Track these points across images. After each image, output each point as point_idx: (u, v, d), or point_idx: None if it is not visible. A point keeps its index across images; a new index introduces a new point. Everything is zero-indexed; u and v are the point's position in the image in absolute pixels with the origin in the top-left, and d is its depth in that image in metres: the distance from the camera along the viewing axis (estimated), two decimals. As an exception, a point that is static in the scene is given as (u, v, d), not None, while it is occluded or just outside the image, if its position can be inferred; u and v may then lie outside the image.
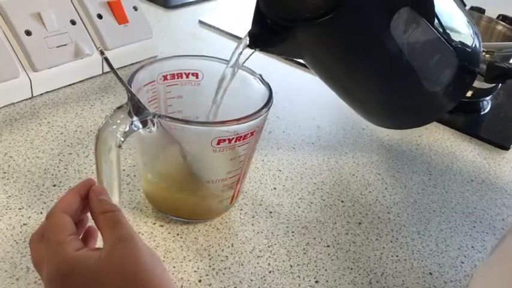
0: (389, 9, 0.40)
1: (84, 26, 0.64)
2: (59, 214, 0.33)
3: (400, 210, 0.52)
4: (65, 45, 0.61)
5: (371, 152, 0.61)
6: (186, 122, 0.38)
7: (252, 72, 0.45)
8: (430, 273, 0.46)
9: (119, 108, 0.37)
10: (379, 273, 0.45)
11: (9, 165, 0.49)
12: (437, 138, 0.66)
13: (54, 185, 0.48)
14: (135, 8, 0.70)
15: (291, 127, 0.63)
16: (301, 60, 0.79)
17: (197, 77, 0.47)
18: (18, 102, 0.59)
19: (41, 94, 0.61)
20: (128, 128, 0.36)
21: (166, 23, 0.87)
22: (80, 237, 0.36)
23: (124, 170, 0.51)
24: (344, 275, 0.44)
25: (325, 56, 0.45)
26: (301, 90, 0.73)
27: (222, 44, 0.83)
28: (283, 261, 0.44)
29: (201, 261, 0.43)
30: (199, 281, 0.41)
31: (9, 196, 0.46)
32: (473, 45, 0.48)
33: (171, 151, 0.42)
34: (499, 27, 0.78)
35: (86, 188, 0.36)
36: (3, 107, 0.57)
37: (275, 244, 0.46)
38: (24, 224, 0.43)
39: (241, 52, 0.43)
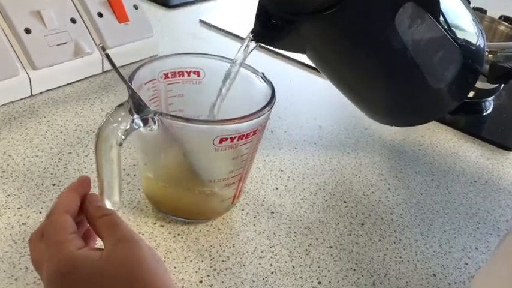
0: (394, 4, 0.39)
1: (84, 24, 0.63)
2: (60, 213, 0.33)
3: (403, 211, 0.52)
4: (65, 43, 0.60)
5: (373, 152, 0.61)
6: (188, 120, 0.37)
7: (255, 71, 0.45)
8: (434, 275, 0.45)
9: (119, 106, 0.36)
10: (382, 275, 0.44)
11: (8, 164, 0.48)
12: (440, 139, 0.66)
13: (54, 184, 0.47)
14: (136, 7, 0.69)
15: (292, 127, 0.63)
16: (302, 60, 0.78)
17: (198, 75, 0.46)
18: (18, 100, 0.58)
19: (40, 93, 0.60)
20: (128, 126, 0.36)
21: (166, 22, 0.87)
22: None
23: (124, 169, 0.50)
24: (347, 276, 0.43)
25: (328, 50, 0.45)
26: (302, 90, 0.73)
27: (222, 44, 0.83)
28: (285, 262, 0.43)
29: (202, 261, 0.42)
30: (201, 281, 0.40)
31: (8, 195, 0.45)
32: (478, 43, 0.48)
33: (172, 150, 0.41)
34: (502, 28, 0.78)
35: (83, 186, 0.36)
36: (2, 105, 0.57)
37: (277, 245, 0.45)
38: (23, 224, 0.42)
39: (248, 46, 0.42)
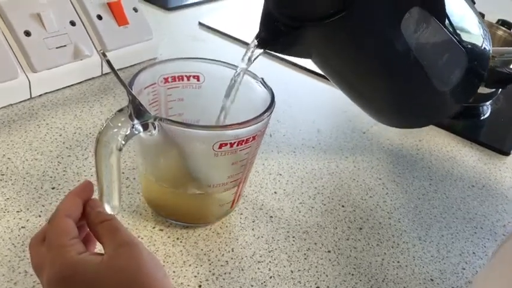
0: (400, 9, 0.39)
1: (84, 27, 0.63)
2: (62, 218, 0.33)
3: (401, 216, 0.52)
4: (65, 46, 0.60)
5: (372, 156, 0.61)
6: (188, 125, 0.38)
7: (254, 76, 0.45)
8: (432, 280, 0.45)
9: (119, 111, 0.36)
10: (380, 279, 0.44)
11: (7, 168, 0.48)
12: (437, 143, 0.66)
13: (53, 188, 0.47)
14: (135, 10, 0.69)
15: (291, 131, 0.63)
16: (300, 63, 0.79)
17: (198, 80, 0.46)
18: (17, 103, 0.58)
19: (39, 95, 0.60)
20: (128, 131, 0.36)
21: (166, 25, 0.87)
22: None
23: (123, 172, 0.50)
24: (345, 281, 0.43)
25: (334, 55, 0.45)
26: (301, 94, 0.73)
27: (222, 46, 0.83)
28: (284, 266, 0.44)
29: (201, 266, 0.42)
30: (199, 286, 0.40)
31: (7, 199, 0.45)
32: (483, 46, 0.48)
33: (172, 154, 0.41)
34: (500, 32, 0.78)
35: (86, 191, 0.36)
36: (2, 108, 0.57)
37: (276, 249, 0.45)
38: (22, 227, 0.43)
39: (253, 52, 0.42)
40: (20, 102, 0.58)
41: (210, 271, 0.42)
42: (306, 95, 0.73)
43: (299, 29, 0.40)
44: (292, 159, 0.58)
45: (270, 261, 0.44)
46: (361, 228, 0.50)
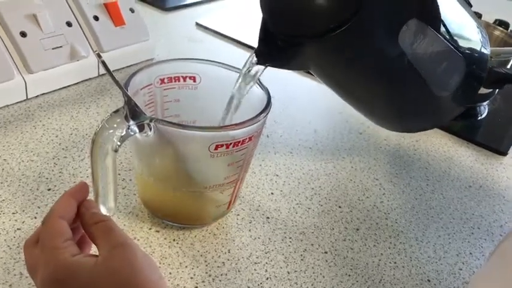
0: (397, 22, 0.39)
1: (80, 27, 0.63)
2: (56, 219, 0.33)
3: (398, 216, 0.52)
4: (61, 47, 0.60)
5: (368, 156, 0.61)
6: (184, 126, 0.38)
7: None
8: (429, 280, 0.45)
9: (115, 112, 0.36)
10: (377, 280, 0.44)
11: (3, 169, 0.48)
12: (434, 144, 0.66)
13: (49, 189, 0.47)
14: (132, 10, 0.69)
15: (288, 131, 0.63)
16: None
17: (194, 81, 0.46)
18: (13, 104, 0.58)
19: (36, 96, 0.60)
20: (124, 132, 0.36)
21: (163, 25, 0.87)
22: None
23: (119, 174, 0.50)
24: (342, 282, 0.43)
25: (332, 68, 0.45)
26: (298, 94, 0.73)
27: (218, 47, 0.83)
28: (281, 267, 0.44)
29: (198, 267, 0.42)
30: (196, 287, 0.40)
31: (3, 200, 0.45)
32: (481, 49, 0.48)
33: (168, 155, 0.41)
34: (497, 33, 0.78)
35: (81, 192, 0.36)
36: (-2, 109, 0.57)
37: (272, 250, 0.45)
38: (18, 229, 0.42)
39: (249, 70, 0.42)
40: (16, 103, 0.58)
41: (206, 272, 0.42)
42: (302, 96, 0.73)
43: (297, 45, 0.41)
44: (289, 160, 0.58)
45: (266, 263, 0.44)
46: (358, 229, 0.49)
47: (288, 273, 0.43)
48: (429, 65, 0.44)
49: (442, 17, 0.42)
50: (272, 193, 0.52)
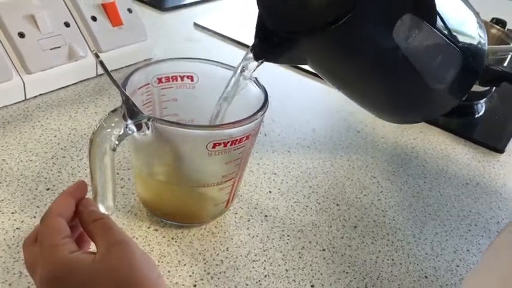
0: (393, 16, 0.40)
1: (78, 28, 0.63)
2: (54, 217, 0.33)
3: (396, 214, 0.52)
4: (59, 47, 0.61)
5: (366, 155, 0.61)
6: (181, 125, 0.38)
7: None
8: (426, 277, 0.46)
9: (113, 111, 0.36)
10: (374, 277, 0.44)
11: (1, 169, 0.49)
12: (432, 141, 0.67)
13: (48, 189, 0.47)
14: (130, 10, 0.69)
15: (286, 130, 0.63)
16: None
17: (192, 80, 0.47)
18: (12, 104, 0.58)
19: (34, 96, 0.60)
20: (122, 132, 0.36)
21: (161, 26, 0.87)
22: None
23: (118, 173, 0.50)
24: (340, 279, 0.44)
25: (329, 62, 0.45)
26: (295, 93, 0.73)
27: (217, 47, 0.83)
28: (279, 265, 0.44)
29: (196, 265, 0.42)
30: (194, 285, 0.41)
31: (2, 200, 0.45)
32: (478, 42, 0.48)
33: (166, 154, 0.42)
34: (493, 31, 0.78)
35: (79, 190, 0.36)
36: (-4, 109, 0.57)
37: (270, 248, 0.45)
38: (17, 229, 0.43)
39: (246, 65, 0.43)
40: (15, 103, 0.58)
41: (205, 270, 0.42)
42: (300, 95, 0.73)
43: (293, 40, 0.41)
44: (287, 158, 0.58)
45: (264, 260, 0.44)
46: (355, 227, 0.50)
47: (286, 270, 0.43)
48: (425, 58, 0.44)
49: (438, 11, 0.42)
50: (270, 191, 0.52)
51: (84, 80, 0.65)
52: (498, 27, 0.79)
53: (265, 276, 0.43)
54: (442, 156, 0.64)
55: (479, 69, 0.50)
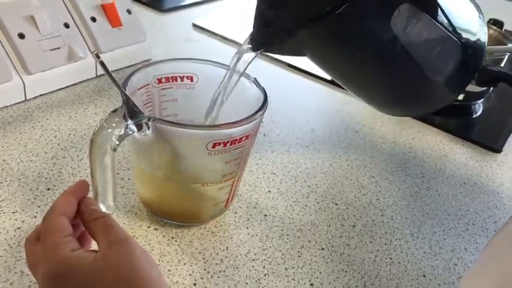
0: (389, 7, 0.40)
1: (78, 29, 0.64)
2: (56, 216, 0.33)
3: (394, 213, 0.53)
4: (59, 48, 0.61)
5: (365, 155, 0.62)
6: (181, 125, 0.38)
7: (247, 76, 0.45)
8: (424, 276, 0.46)
9: (113, 111, 0.37)
10: (373, 276, 0.45)
11: (2, 169, 0.49)
12: (430, 141, 0.67)
13: (48, 189, 0.47)
14: (129, 11, 0.70)
15: (285, 130, 0.64)
16: (295, 64, 0.79)
17: (192, 81, 0.47)
18: (12, 105, 0.58)
19: (34, 97, 0.60)
20: (122, 132, 0.36)
21: (160, 26, 0.87)
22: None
23: (118, 173, 0.51)
24: (338, 278, 0.44)
25: (327, 53, 0.45)
26: (295, 94, 0.74)
27: (215, 47, 0.84)
28: (278, 264, 0.44)
29: (196, 264, 0.43)
30: (194, 284, 0.41)
31: (3, 200, 0.45)
32: (478, 34, 0.48)
33: (166, 154, 0.42)
34: (491, 31, 0.79)
35: (81, 190, 0.36)
36: (-4, 110, 0.57)
37: (270, 247, 0.46)
38: (18, 228, 0.43)
39: (243, 55, 0.43)
40: (15, 104, 0.59)
41: (205, 269, 0.42)
42: (299, 95, 0.74)
43: (291, 30, 0.41)
44: (286, 158, 0.58)
45: (264, 259, 0.44)
46: (354, 226, 0.50)
47: (286, 269, 0.44)
48: (423, 48, 0.44)
49: (438, 2, 0.42)
50: (269, 191, 0.53)
51: (84, 81, 0.65)
52: (495, 27, 0.79)
53: (265, 275, 0.43)
54: (440, 156, 0.64)
55: (479, 61, 0.50)
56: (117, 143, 0.36)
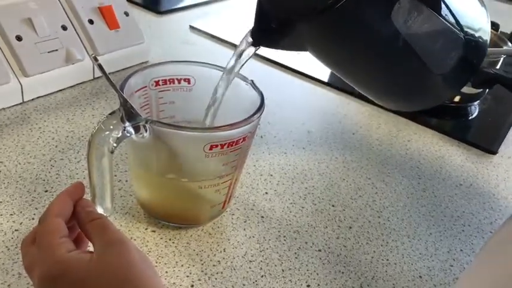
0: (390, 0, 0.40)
1: (75, 31, 0.64)
2: (52, 217, 0.33)
3: (390, 215, 0.53)
4: (56, 50, 0.61)
5: (361, 156, 0.62)
6: (179, 127, 0.38)
7: (244, 78, 0.45)
8: (420, 277, 0.46)
9: (111, 114, 0.37)
10: (369, 277, 0.45)
11: (0, 171, 0.49)
12: (426, 143, 0.67)
13: (46, 191, 0.47)
14: (126, 14, 0.70)
15: (282, 132, 0.64)
16: (290, 65, 0.80)
17: (189, 83, 0.47)
18: (9, 107, 0.58)
19: (32, 99, 0.61)
20: (120, 134, 0.36)
21: (157, 29, 0.88)
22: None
23: (116, 175, 0.51)
24: (335, 279, 0.44)
25: (328, 47, 0.45)
26: (291, 96, 0.74)
27: (213, 50, 0.84)
28: (275, 265, 0.44)
29: (194, 266, 0.43)
30: (192, 286, 0.41)
31: (1, 202, 0.45)
32: (480, 30, 0.48)
33: (164, 156, 0.42)
34: (486, 34, 0.79)
35: (77, 191, 0.36)
36: (-6, 112, 0.57)
37: (267, 249, 0.46)
38: (15, 230, 0.43)
39: (244, 50, 0.43)
40: (12, 106, 0.59)
41: (202, 271, 0.42)
42: (296, 97, 0.74)
43: (292, 24, 0.41)
44: (283, 160, 0.59)
45: (261, 261, 0.45)
46: (350, 227, 0.50)
47: (283, 271, 0.44)
48: (424, 42, 0.44)
49: None
50: (266, 193, 0.53)
51: (82, 83, 0.66)
52: (491, 30, 0.79)
53: (262, 276, 0.43)
54: (436, 158, 0.64)
55: (481, 58, 0.50)
56: (115, 145, 0.36)
